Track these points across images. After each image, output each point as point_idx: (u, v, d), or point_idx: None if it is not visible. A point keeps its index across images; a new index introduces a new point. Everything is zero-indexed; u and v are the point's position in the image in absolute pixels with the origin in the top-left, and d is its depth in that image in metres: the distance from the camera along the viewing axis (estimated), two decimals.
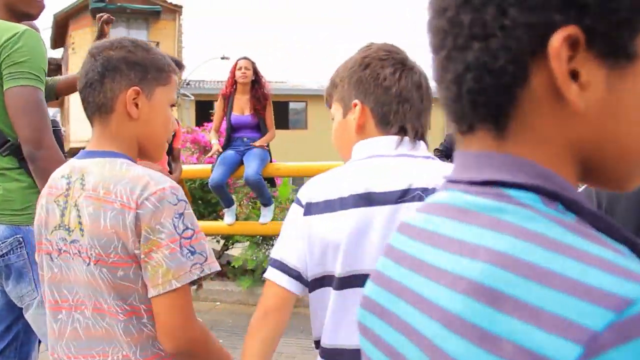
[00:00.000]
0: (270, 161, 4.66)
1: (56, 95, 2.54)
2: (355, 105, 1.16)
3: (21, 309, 1.82)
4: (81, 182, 1.14)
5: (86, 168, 1.15)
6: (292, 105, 21.34)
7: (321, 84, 24.85)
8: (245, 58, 4.60)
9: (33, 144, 1.70)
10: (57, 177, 1.21)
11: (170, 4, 20.64)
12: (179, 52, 20.97)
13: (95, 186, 1.11)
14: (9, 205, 1.80)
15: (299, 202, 1.16)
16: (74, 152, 2.23)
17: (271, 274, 1.15)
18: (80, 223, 1.11)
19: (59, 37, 21.49)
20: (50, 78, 2.50)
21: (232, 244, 5.50)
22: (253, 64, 4.57)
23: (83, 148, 1.21)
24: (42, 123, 1.72)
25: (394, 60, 1.16)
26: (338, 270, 1.09)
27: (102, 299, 1.11)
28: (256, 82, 4.56)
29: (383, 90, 1.14)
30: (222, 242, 5.53)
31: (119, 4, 19.33)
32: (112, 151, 1.16)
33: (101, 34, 2.40)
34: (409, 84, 1.15)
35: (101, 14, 2.36)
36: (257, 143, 4.48)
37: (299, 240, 1.13)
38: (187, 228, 1.08)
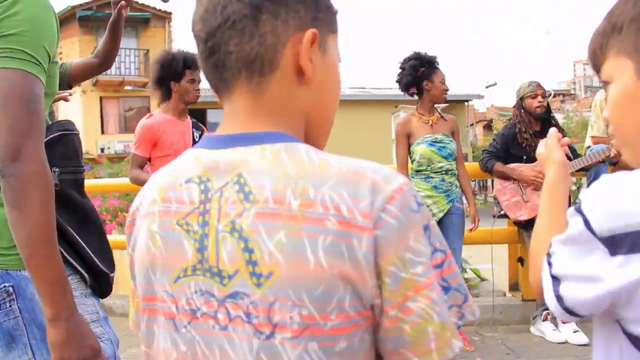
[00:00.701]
0: None
1: (68, 83, 2.15)
2: None
3: None
4: (239, 187, 0.66)
5: (245, 163, 0.67)
6: None
7: None
8: None
9: (8, 152, 1.14)
10: (177, 183, 0.70)
11: (160, 10, 20.36)
12: None
13: (280, 193, 0.64)
14: None
15: (589, 227, 0.72)
16: None
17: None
18: (253, 263, 0.63)
19: None
20: (61, 62, 2.09)
21: None
22: None
23: None
24: (27, 123, 1.15)
25: None
26: None
27: None
28: None
29: None
30: None
31: (107, 12, 19.02)
32: (280, 132, 0.69)
33: (118, 18, 2.04)
34: None
35: None
36: None
37: (595, 288, 0.72)
38: (435, 250, 0.65)
